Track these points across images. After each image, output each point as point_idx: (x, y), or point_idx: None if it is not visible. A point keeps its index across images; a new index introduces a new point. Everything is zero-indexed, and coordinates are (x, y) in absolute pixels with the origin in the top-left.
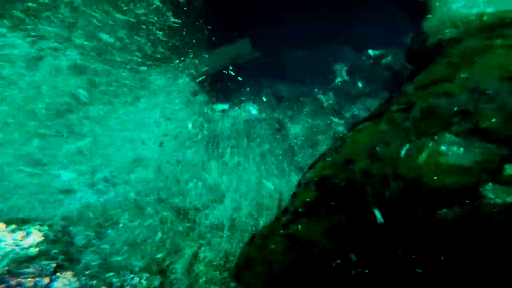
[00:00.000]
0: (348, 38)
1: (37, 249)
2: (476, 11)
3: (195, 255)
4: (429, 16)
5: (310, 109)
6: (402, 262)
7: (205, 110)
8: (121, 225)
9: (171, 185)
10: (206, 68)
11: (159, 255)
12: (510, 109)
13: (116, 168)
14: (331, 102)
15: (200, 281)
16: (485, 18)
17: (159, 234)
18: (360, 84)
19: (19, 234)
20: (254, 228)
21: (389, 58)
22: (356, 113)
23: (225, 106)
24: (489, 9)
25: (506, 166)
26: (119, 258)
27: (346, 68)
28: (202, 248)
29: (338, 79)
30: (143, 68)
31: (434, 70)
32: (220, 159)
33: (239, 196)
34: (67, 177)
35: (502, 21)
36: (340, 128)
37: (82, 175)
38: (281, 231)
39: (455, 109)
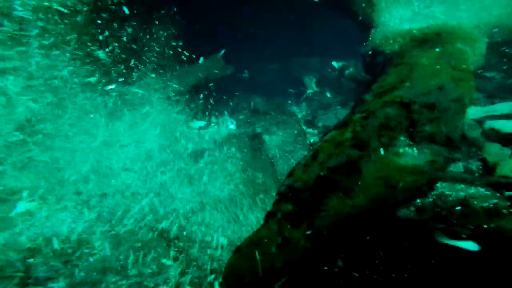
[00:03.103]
0: (312, 50)
1: None
2: (408, 27)
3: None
4: (373, 31)
5: (286, 120)
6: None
7: (182, 129)
8: (94, 251)
9: (143, 207)
10: (181, 86)
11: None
12: (446, 115)
13: (85, 192)
14: (304, 113)
15: None
16: (415, 32)
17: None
18: (329, 95)
19: None
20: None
21: (351, 69)
22: (327, 123)
23: (202, 123)
24: (416, 25)
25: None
26: None
27: (314, 80)
28: (188, 268)
29: (309, 91)
30: (115, 86)
31: (385, 79)
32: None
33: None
34: (22, 208)
35: (425, 36)
36: (316, 138)
37: (46, 203)
38: (267, 237)
39: (405, 114)
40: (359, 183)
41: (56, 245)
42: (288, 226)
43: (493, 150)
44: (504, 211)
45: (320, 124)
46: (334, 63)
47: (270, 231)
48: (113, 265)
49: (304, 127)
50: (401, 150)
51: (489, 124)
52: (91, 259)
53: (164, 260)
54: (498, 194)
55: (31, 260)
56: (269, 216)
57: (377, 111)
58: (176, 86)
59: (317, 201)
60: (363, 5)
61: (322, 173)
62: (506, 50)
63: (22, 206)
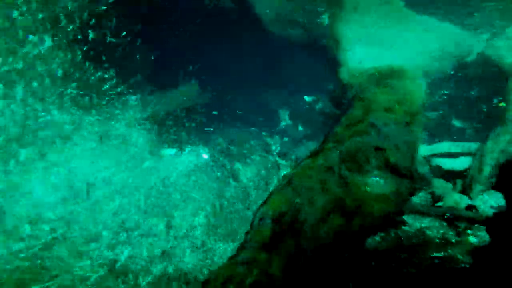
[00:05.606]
0: (285, 83)
1: None
2: (369, 66)
3: None
4: (340, 69)
5: (259, 152)
6: None
7: (151, 156)
8: None
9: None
10: (153, 111)
11: None
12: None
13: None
14: (277, 145)
15: None
16: (372, 71)
17: None
18: (300, 128)
19: None
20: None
21: (320, 104)
22: (300, 155)
23: (173, 151)
24: (374, 64)
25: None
26: None
27: (288, 113)
28: None
29: (282, 123)
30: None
31: (351, 113)
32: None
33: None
34: None
35: (380, 75)
36: (288, 170)
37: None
38: (241, 269)
39: (371, 145)
40: (330, 214)
41: None
42: (265, 255)
43: (437, 185)
44: (453, 240)
45: (293, 157)
46: (306, 98)
47: (246, 261)
48: None
49: (277, 159)
50: (368, 180)
51: (435, 161)
52: None
53: None
54: (445, 224)
55: None
56: (243, 245)
57: (346, 141)
58: (150, 110)
59: (291, 229)
60: (332, 45)
61: (295, 201)
62: (444, 95)
63: None
